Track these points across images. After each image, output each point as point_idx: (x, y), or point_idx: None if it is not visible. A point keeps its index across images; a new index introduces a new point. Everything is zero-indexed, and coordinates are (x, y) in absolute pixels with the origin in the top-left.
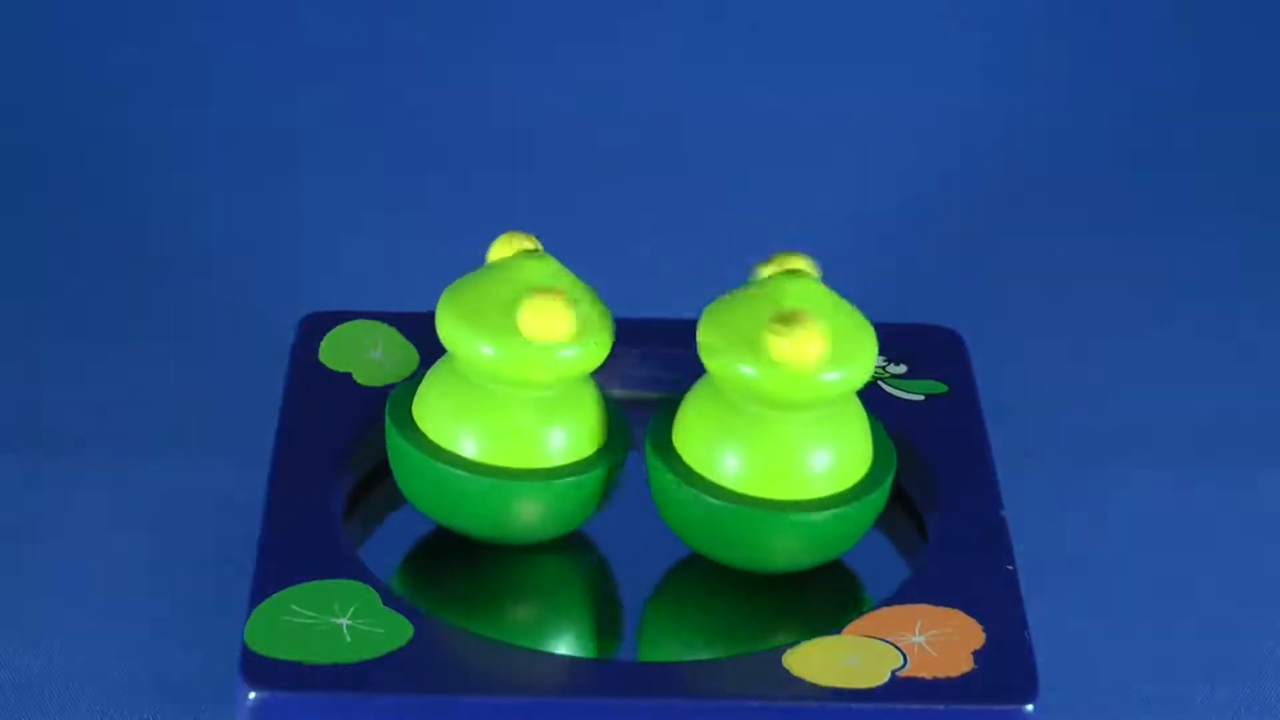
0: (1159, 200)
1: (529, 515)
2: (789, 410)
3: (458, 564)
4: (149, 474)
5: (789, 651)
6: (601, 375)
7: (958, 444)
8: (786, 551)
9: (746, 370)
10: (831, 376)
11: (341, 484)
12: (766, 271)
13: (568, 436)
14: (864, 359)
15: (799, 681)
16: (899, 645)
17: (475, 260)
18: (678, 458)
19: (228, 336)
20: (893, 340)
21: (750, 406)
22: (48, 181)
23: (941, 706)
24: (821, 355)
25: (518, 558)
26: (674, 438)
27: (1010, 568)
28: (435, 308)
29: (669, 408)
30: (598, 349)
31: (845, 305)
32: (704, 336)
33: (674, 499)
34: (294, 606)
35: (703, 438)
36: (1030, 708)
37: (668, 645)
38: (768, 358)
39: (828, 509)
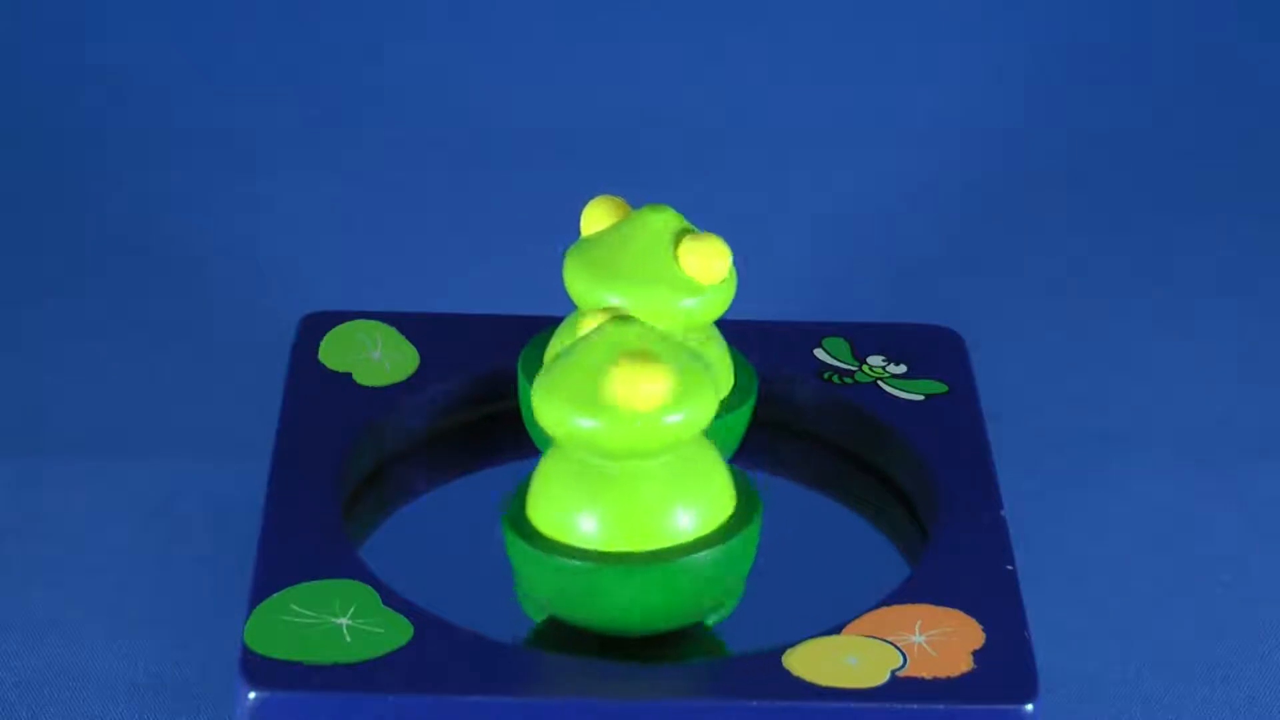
0: (1159, 200)
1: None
2: (635, 460)
3: (458, 563)
4: (149, 474)
5: (789, 651)
6: None
7: (958, 444)
8: (657, 605)
9: (585, 424)
10: (674, 419)
11: (341, 484)
12: (586, 323)
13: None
14: (704, 400)
15: (799, 681)
16: (899, 645)
17: (475, 260)
18: (534, 530)
19: (228, 336)
20: (893, 340)
21: (596, 462)
22: (47, 181)
23: (941, 706)
24: (664, 394)
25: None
26: (528, 510)
27: (1010, 568)
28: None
29: (524, 485)
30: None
31: (680, 345)
32: (539, 403)
33: (536, 572)
34: (294, 606)
35: (555, 504)
36: (1030, 708)
37: (667, 645)
38: (609, 406)
39: (693, 553)
